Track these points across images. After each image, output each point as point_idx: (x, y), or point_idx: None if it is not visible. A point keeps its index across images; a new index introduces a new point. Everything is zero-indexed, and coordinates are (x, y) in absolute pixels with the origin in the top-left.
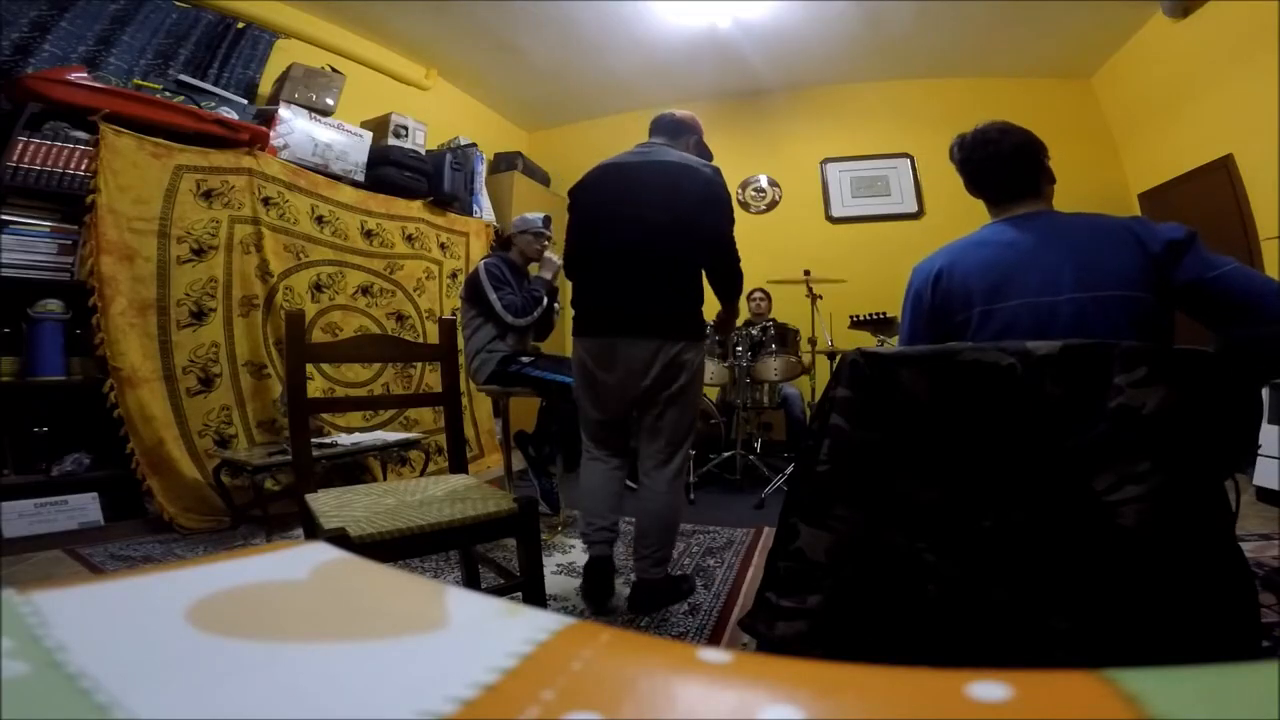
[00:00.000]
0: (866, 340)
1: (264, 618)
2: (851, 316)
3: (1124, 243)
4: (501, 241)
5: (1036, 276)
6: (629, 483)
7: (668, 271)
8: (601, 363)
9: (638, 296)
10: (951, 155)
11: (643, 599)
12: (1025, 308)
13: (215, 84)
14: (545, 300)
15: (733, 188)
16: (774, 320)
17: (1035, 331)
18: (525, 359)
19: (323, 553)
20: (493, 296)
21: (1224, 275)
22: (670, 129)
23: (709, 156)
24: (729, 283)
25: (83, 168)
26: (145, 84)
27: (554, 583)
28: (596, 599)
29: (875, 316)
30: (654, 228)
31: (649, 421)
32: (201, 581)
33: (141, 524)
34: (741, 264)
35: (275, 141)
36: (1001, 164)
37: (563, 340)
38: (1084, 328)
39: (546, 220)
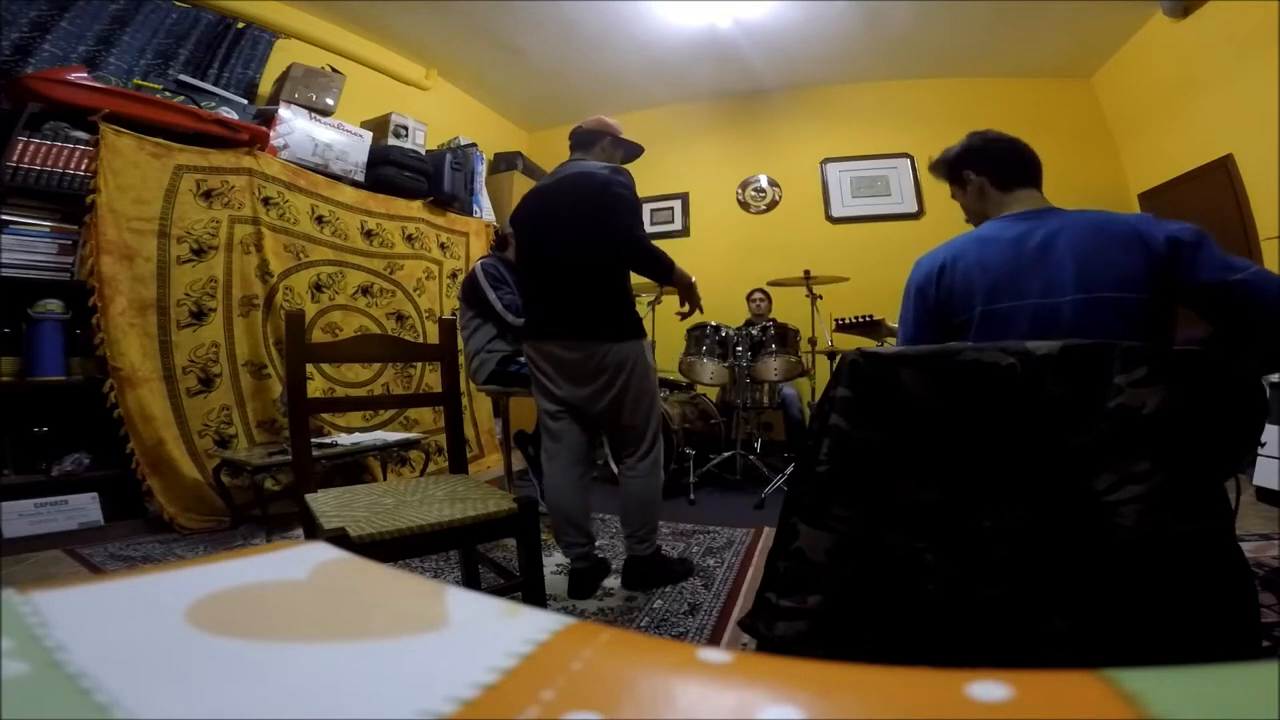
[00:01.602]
0: (859, 344)
1: (264, 618)
2: (837, 320)
3: (1129, 243)
4: (498, 241)
5: (1040, 277)
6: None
7: (585, 278)
8: (543, 361)
9: (561, 304)
10: (959, 153)
11: (631, 575)
12: (1027, 309)
13: (215, 84)
14: None
15: (732, 188)
16: (774, 320)
17: (1036, 333)
18: (523, 359)
19: (323, 553)
20: (492, 296)
21: (1246, 280)
22: (582, 141)
23: (634, 152)
24: (651, 271)
25: (83, 168)
26: (145, 84)
27: (554, 583)
28: (582, 595)
29: (861, 320)
30: (567, 240)
31: (613, 428)
32: (201, 581)
33: (141, 524)
34: (651, 243)
35: (275, 141)
36: (1017, 149)
37: None
38: (1086, 329)
39: None
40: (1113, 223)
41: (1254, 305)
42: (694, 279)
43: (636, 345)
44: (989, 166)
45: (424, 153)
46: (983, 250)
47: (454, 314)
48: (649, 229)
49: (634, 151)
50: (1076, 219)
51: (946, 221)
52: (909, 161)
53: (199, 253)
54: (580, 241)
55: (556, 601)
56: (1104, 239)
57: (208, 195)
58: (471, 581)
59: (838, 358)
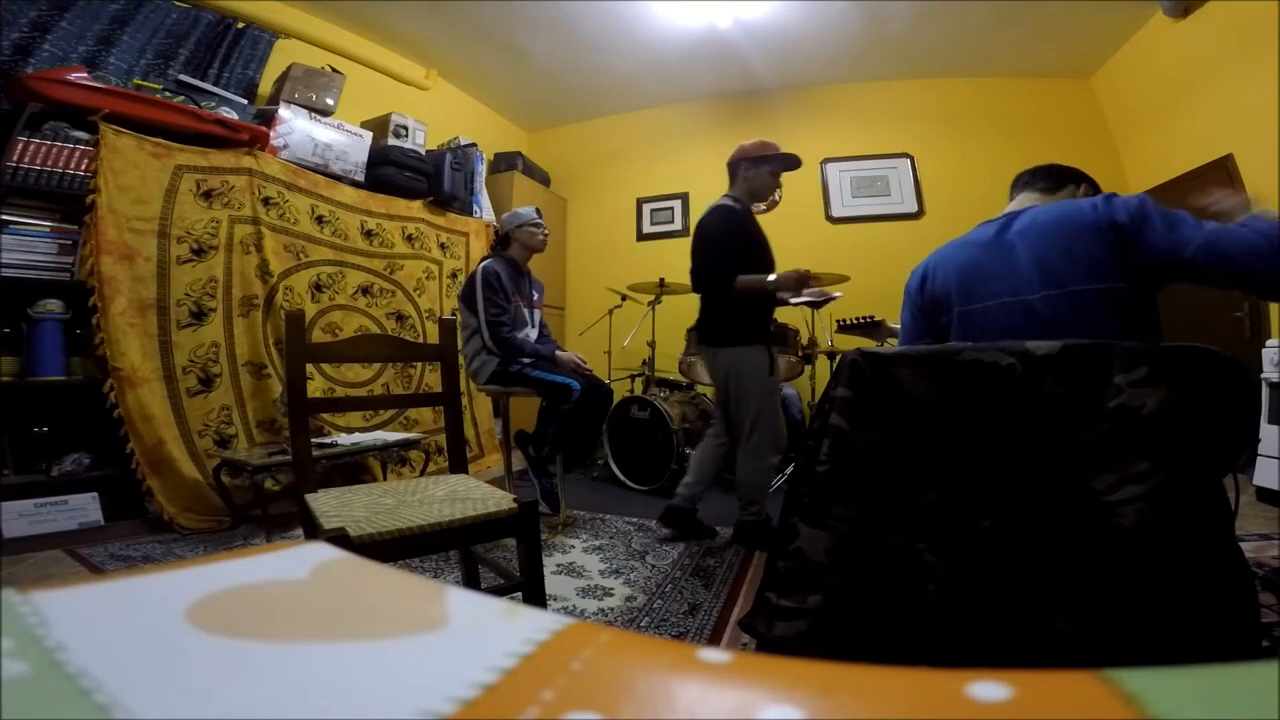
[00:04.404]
0: (859, 344)
1: (264, 618)
2: (839, 320)
3: (1086, 232)
4: (500, 240)
5: (1007, 276)
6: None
7: (702, 300)
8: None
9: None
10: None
11: (739, 534)
12: (1000, 307)
13: (215, 84)
14: (523, 354)
15: None
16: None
17: (1011, 331)
18: (525, 359)
19: (323, 553)
20: (480, 305)
21: (1198, 254)
22: (729, 173)
23: (780, 163)
24: (720, 297)
25: (83, 168)
26: (145, 84)
27: (554, 583)
28: (669, 528)
29: (863, 320)
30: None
31: (729, 417)
32: (201, 581)
33: (141, 524)
34: (712, 276)
35: (275, 141)
36: (1035, 168)
37: (565, 342)
38: (1061, 324)
39: (538, 211)
40: (1070, 215)
41: (1220, 271)
42: (770, 278)
43: (740, 351)
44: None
45: (424, 153)
46: (960, 253)
47: (454, 314)
48: (649, 229)
49: (780, 163)
50: (1036, 215)
51: (947, 221)
52: (909, 161)
53: (199, 253)
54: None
55: (556, 601)
56: (1061, 233)
57: (208, 195)
58: (471, 581)
59: (837, 358)
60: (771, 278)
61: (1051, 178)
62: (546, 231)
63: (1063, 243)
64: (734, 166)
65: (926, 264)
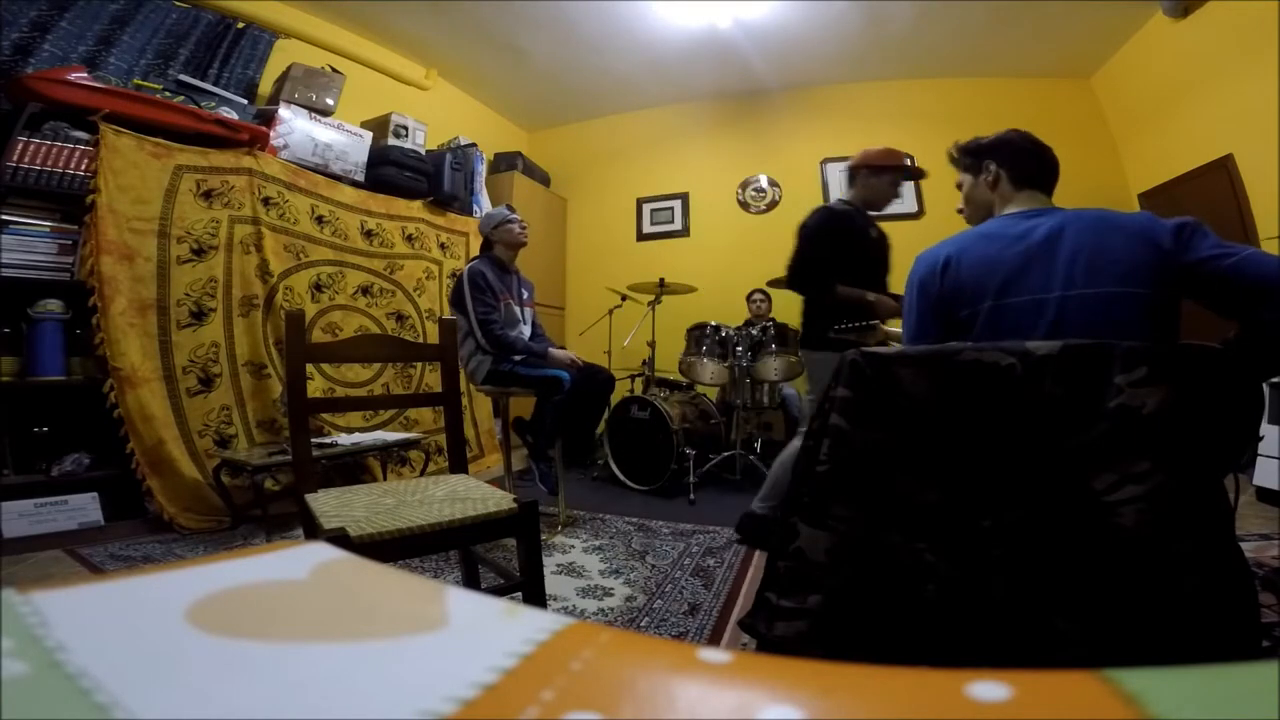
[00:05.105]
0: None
1: (264, 618)
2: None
3: (1134, 238)
4: (484, 244)
5: (1048, 272)
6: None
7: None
8: None
9: None
10: (992, 142)
11: (741, 525)
12: (1036, 303)
13: (215, 84)
14: (515, 350)
15: (733, 188)
16: (774, 320)
17: (1045, 327)
18: (516, 357)
19: (323, 553)
20: (469, 306)
21: (1242, 260)
22: (848, 176)
23: (901, 174)
24: (811, 297)
25: (83, 168)
26: (145, 84)
27: (554, 583)
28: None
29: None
30: None
31: None
32: (201, 581)
33: (141, 524)
34: (802, 280)
35: (275, 141)
36: (1044, 152)
37: (565, 342)
38: (1095, 324)
39: (509, 207)
40: (1117, 218)
41: (1249, 284)
42: (871, 297)
43: (817, 354)
44: (1012, 160)
45: (424, 153)
46: (988, 246)
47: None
48: (649, 229)
49: (903, 174)
50: (1081, 215)
51: (947, 221)
52: (909, 161)
53: (199, 253)
54: None
55: (556, 601)
56: (1110, 233)
57: (208, 195)
58: (471, 581)
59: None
60: (872, 297)
61: (1049, 182)
62: (524, 224)
63: (1110, 243)
64: (854, 171)
65: (945, 251)
